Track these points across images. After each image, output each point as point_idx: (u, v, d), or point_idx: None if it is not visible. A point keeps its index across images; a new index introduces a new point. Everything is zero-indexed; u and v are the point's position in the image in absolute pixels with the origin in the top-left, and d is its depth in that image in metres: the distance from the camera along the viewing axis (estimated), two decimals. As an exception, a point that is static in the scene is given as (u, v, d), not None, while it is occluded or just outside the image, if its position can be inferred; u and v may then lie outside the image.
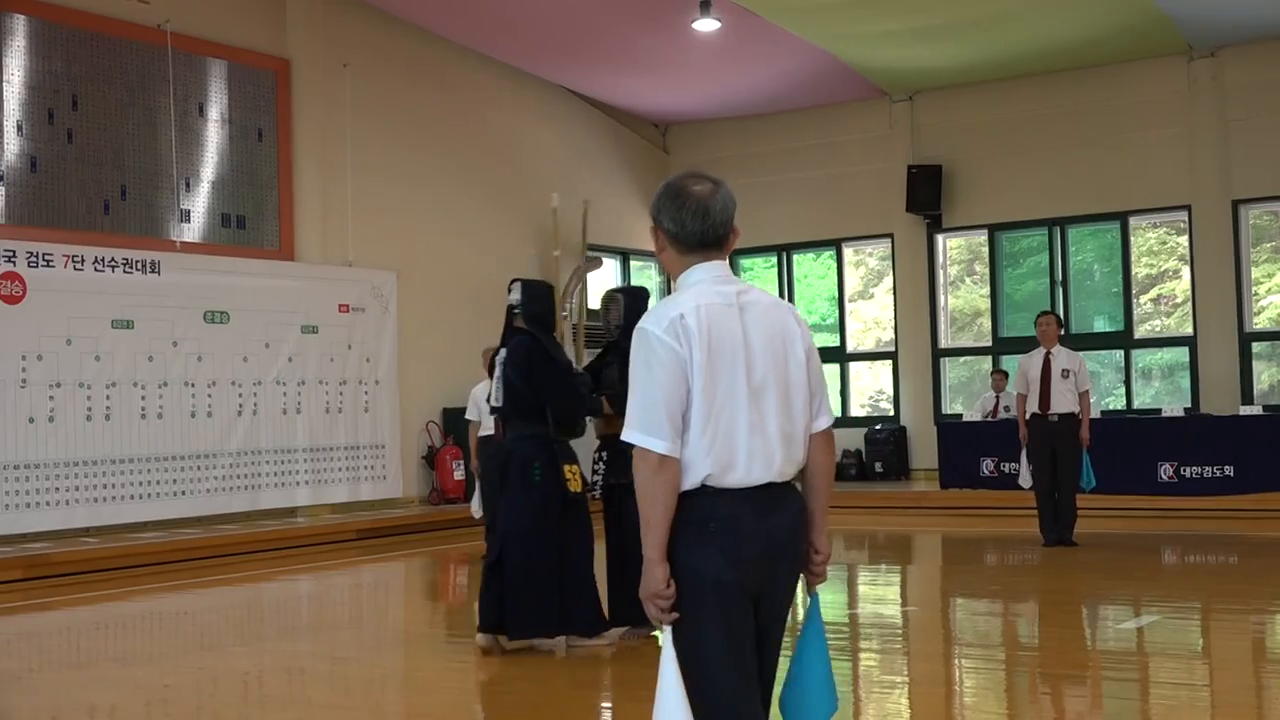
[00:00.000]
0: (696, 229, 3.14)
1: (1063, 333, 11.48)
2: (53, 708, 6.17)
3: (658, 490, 3.00)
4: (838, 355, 18.12)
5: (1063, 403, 10.94)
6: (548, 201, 17.18)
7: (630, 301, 7.49)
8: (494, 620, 6.90)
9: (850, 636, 7.46)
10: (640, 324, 3.10)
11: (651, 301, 7.17)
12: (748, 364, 3.07)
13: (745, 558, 3.03)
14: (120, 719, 6.05)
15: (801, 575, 3.25)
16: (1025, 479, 11.19)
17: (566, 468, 6.92)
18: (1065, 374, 10.95)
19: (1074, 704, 5.92)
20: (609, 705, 6.19)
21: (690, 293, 3.13)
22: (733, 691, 3.03)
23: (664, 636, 3.04)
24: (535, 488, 6.88)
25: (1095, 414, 15.52)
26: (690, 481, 3.03)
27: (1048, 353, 11.05)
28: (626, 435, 3.04)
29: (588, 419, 7.43)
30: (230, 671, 7.03)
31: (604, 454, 7.38)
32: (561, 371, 6.99)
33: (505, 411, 7.07)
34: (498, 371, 7.10)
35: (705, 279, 3.15)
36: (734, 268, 20.32)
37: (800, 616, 3.33)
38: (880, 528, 13.00)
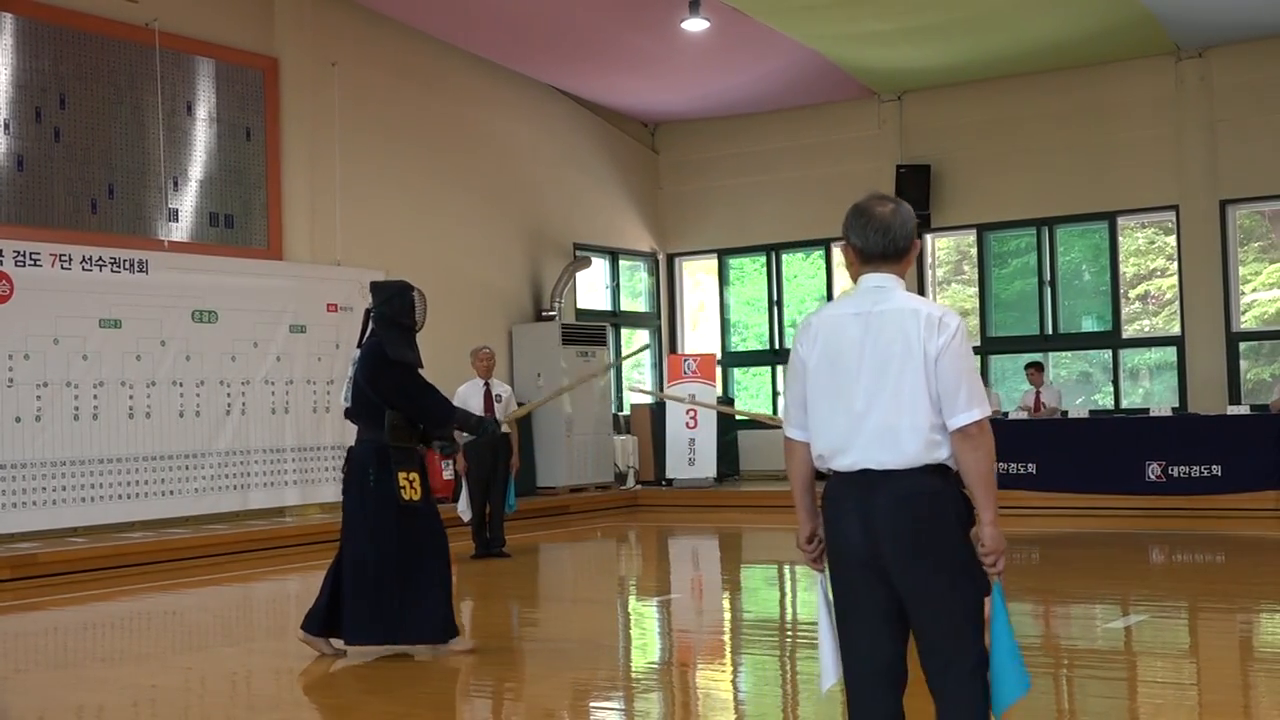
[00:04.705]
0: (878, 243, 3.63)
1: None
2: (39, 708, 6.15)
3: (789, 465, 3.70)
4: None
5: None
6: (537, 200, 17.18)
7: None
8: (320, 622, 6.89)
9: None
10: None
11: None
12: (858, 366, 3.51)
13: (847, 533, 3.53)
14: (107, 719, 6.03)
15: None
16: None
17: (401, 474, 6.83)
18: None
19: (1062, 702, 5.92)
20: (606, 706, 6.18)
21: (833, 303, 3.68)
22: (846, 633, 3.61)
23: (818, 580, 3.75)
24: (370, 493, 6.87)
25: (1083, 413, 15.56)
26: (816, 463, 3.64)
27: None
28: None
29: None
30: (218, 672, 7.01)
31: None
32: (402, 373, 6.88)
33: (352, 413, 7.06)
34: (349, 372, 7.07)
35: (860, 289, 3.63)
36: (723, 268, 20.27)
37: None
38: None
